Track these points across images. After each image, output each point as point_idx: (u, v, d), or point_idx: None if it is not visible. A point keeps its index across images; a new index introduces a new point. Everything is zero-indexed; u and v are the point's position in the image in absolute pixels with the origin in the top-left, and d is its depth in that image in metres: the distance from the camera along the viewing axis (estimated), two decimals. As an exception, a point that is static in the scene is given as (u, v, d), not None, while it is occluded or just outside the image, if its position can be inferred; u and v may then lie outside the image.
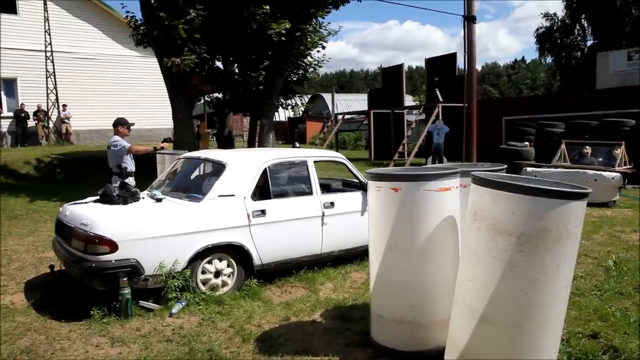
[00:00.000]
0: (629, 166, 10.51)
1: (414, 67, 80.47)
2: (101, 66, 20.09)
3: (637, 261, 5.43)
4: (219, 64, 13.90)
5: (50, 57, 18.55)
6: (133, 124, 6.65)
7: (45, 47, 18.44)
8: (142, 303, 4.33)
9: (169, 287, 4.31)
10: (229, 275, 4.75)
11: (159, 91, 16.29)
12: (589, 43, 31.62)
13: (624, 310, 4.06)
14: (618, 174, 9.55)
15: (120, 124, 6.61)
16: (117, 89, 20.27)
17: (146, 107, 21.05)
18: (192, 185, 5.36)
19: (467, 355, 2.97)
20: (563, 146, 11.65)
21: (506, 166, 3.79)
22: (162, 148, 6.33)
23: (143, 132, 21.73)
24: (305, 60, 14.69)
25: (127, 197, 4.76)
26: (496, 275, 2.80)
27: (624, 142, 10.82)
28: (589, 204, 7.65)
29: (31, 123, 18.23)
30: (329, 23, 23.02)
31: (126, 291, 4.13)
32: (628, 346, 3.32)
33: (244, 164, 5.09)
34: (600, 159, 11.13)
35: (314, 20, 13.34)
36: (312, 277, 5.16)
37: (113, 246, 4.13)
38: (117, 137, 6.49)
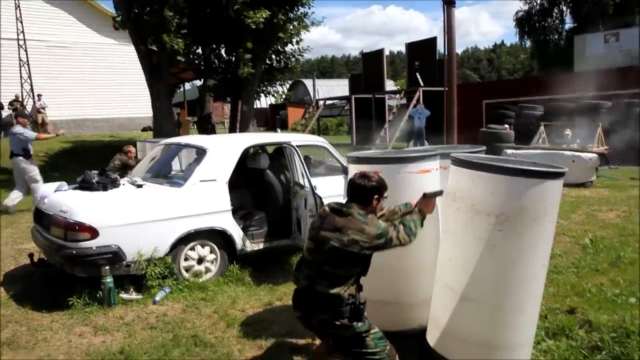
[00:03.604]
0: (605, 147, 10.71)
1: (396, 52, 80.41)
2: (77, 54, 19.66)
3: (613, 239, 5.56)
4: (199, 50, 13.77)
5: (23, 46, 18.05)
6: None
7: (18, 35, 17.92)
8: (124, 296, 4.30)
9: (150, 273, 4.29)
10: (212, 262, 4.75)
11: (138, 79, 16.05)
12: (567, 26, 31.96)
13: (599, 285, 4.17)
14: (595, 155, 9.73)
15: None
16: (94, 78, 19.88)
17: (125, 96, 20.72)
18: (173, 171, 5.32)
19: (449, 333, 3.03)
20: (542, 128, 11.82)
21: (485, 148, 3.83)
22: None
23: (122, 121, 21.44)
24: (286, 48, 14.60)
25: (106, 183, 4.71)
26: (476, 254, 2.85)
27: (600, 124, 11.02)
28: (567, 185, 7.81)
29: (5, 113, 17.81)
30: (312, 12, 22.92)
31: (108, 280, 4.11)
32: (602, 320, 3.42)
33: (225, 149, 5.06)
34: (578, 141, 11.33)
35: (297, 9, 13.24)
36: (296, 261, 5.17)
37: (93, 232, 4.10)
38: None
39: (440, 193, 3.01)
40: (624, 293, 3.96)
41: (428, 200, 2.97)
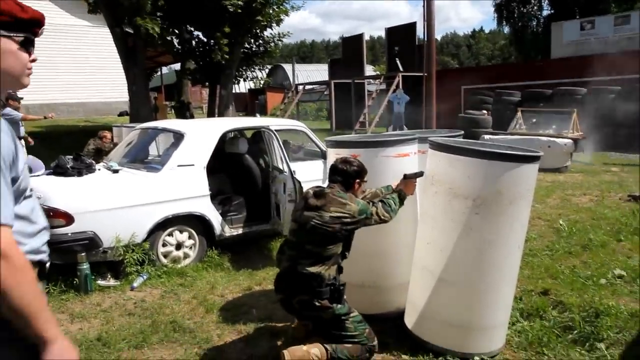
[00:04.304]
0: (580, 133, 10.90)
1: (376, 37, 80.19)
2: (49, 36, 18.95)
3: (585, 222, 5.69)
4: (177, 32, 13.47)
5: (-7, 26, 17.45)
6: None
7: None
8: (101, 283, 4.25)
9: (128, 259, 4.25)
10: (191, 247, 4.72)
11: (113, 63, 15.66)
12: (545, 13, 32.24)
13: (572, 267, 4.28)
14: (570, 141, 9.91)
15: None
16: (68, 61, 19.37)
17: (100, 80, 20.26)
18: (150, 156, 5.24)
19: (426, 315, 3.08)
20: (519, 114, 11.96)
21: (463, 132, 3.86)
22: None
23: (99, 106, 21.00)
24: (265, 33, 14.42)
25: (81, 168, 4.61)
26: (453, 237, 2.88)
27: (575, 110, 11.20)
28: (543, 170, 7.92)
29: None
30: (293, -2, 22.63)
31: (85, 266, 4.05)
32: (573, 301, 3.52)
33: (203, 133, 5.00)
34: (554, 126, 11.50)
35: None
36: (275, 246, 5.18)
37: (69, 219, 4.03)
38: None
39: (420, 174, 3.07)
40: (594, 274, 4.07)
41: (408, 181, 3.05)
